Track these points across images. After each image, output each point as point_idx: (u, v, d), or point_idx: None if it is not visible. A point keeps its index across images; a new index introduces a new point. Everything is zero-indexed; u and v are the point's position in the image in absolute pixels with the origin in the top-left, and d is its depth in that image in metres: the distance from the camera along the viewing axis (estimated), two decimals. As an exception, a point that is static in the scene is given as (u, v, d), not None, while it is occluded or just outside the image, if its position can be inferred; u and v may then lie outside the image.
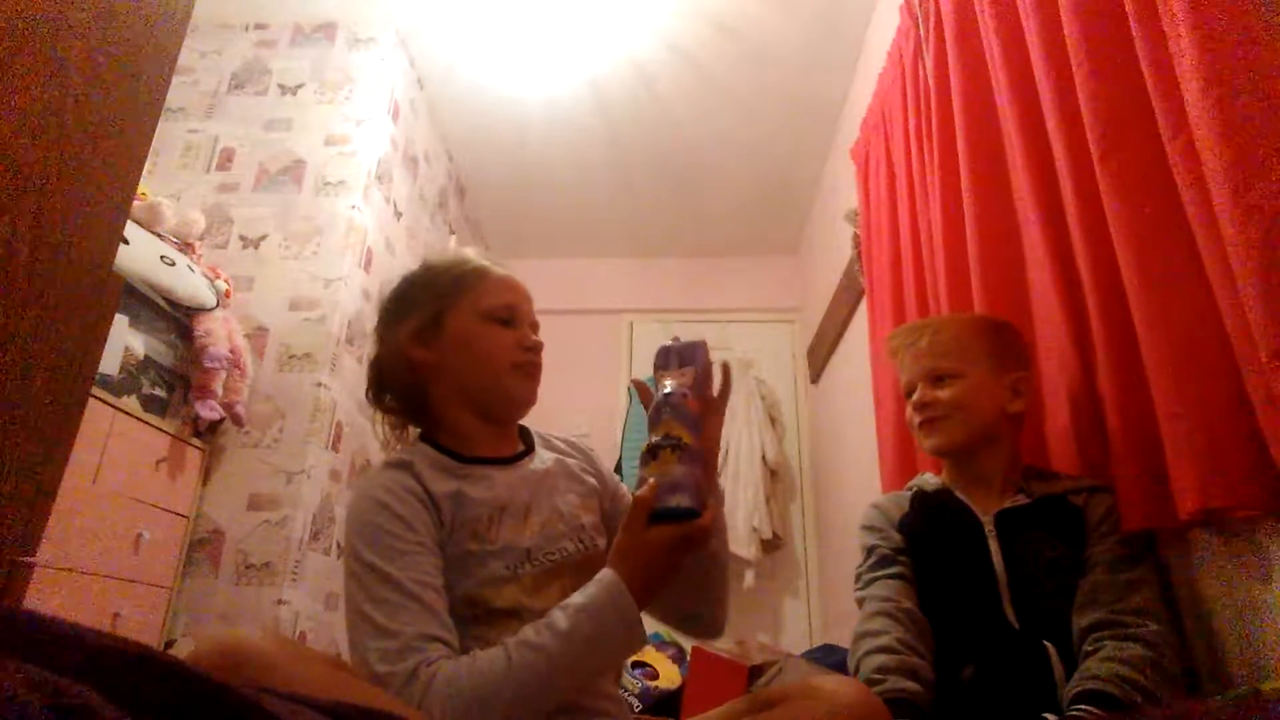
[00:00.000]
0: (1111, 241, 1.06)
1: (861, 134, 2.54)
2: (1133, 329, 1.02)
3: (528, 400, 0.95)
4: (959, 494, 1.07)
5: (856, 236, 2.58)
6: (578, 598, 0.74)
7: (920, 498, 1.10)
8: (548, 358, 0.99)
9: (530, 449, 0.97)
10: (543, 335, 1.00)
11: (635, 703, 2.08)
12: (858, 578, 1.07)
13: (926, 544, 1.03)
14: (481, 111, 3.11)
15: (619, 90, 2.97)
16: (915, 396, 1.08)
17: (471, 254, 0.99)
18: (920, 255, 1.87)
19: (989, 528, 1.00)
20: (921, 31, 1.88)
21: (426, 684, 0.68)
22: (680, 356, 0.85)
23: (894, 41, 2.15)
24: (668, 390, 0.81)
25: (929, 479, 1.15)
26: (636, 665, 2.23)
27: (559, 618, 0.73)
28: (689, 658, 2.23)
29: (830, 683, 0.72)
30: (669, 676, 2.20)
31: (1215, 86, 0.84)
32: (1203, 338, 0.92)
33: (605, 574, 0.75)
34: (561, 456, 0.99)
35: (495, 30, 2.70)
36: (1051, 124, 1.22)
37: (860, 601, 1.04)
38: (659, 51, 2.78)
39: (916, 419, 1.09)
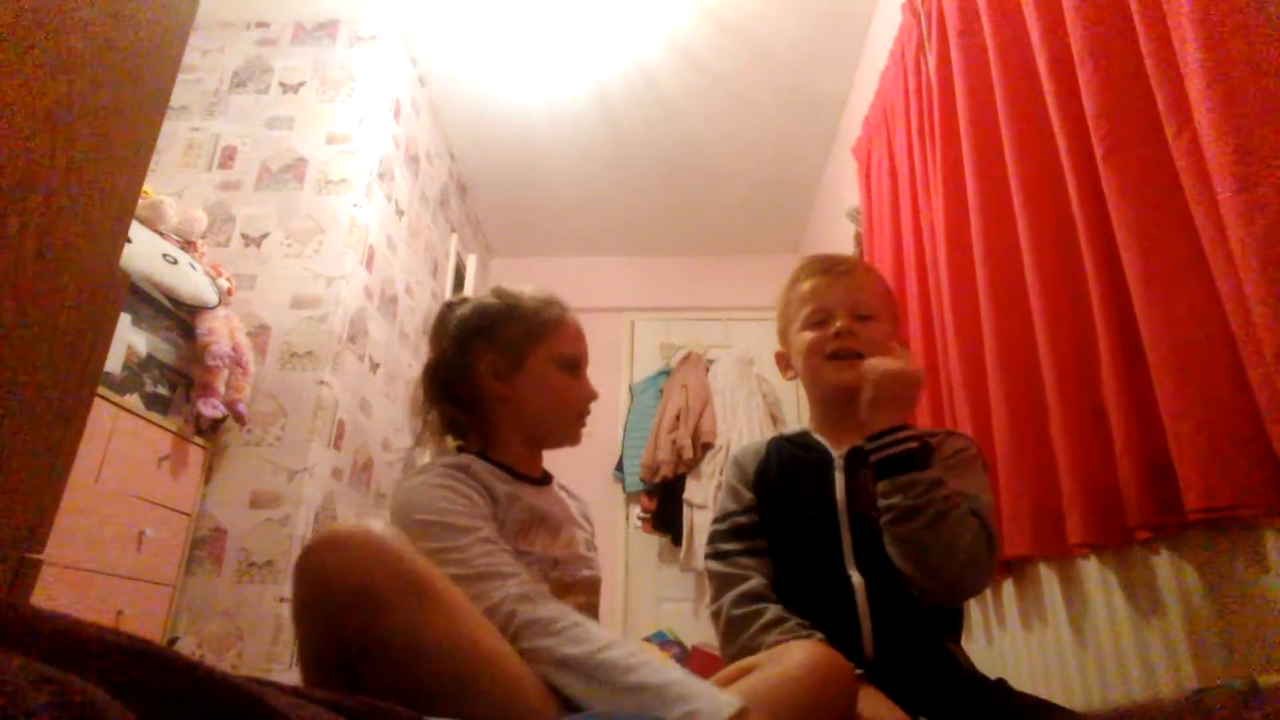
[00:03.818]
0: (1115, 239, 1.05)
1: (863, 131, 2.53)
2: (1136, 326, 1.02)
3: (576, 443, 1.06)
4: (818, 436, 1.09)
5: (858, 234, 2.58)
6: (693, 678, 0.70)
7: (778, 441, 1.12)
8: None
9: (549, 480, 1.07)
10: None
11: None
12: (711, 538, 1.06)
13: (777, 484, 1.04)
14: (483, 109, 3.11)
15: (621, 88, 2.97)
16: (839, 325, 1.03)
17: (554, 297, 1.07)
18: (922, 253, 1.87)
19: (839, 463, 1.02)
20: (924, 29, 1.88)
21: (509, 616, 0.75)
22: None
23: (896, 39, 2.15)
24: None
25: (793, 426, 1.17)
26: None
27: (659, 668, 0.70)
28: (689, 655, 2.23)
29: (796, 646, 0.78)
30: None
31: (1219, 83, 0.83)
32: (1207, 335, 0.91)
33: (729, 699, 0.68)
34: (570, 499, 1.09)
35: (497, 27, 2.70)
36: (1055, 121, 1.21)
37: (714, 568, 1.02)
38: (661, 49, 2.78)
39: (833, 347, 1.03)
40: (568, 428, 1.04)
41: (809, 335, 1.06)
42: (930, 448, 0.93)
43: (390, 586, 0.65)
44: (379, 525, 0.70)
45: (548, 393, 1.01)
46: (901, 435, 0.92)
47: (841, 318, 1.04)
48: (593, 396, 1.05)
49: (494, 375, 1.01)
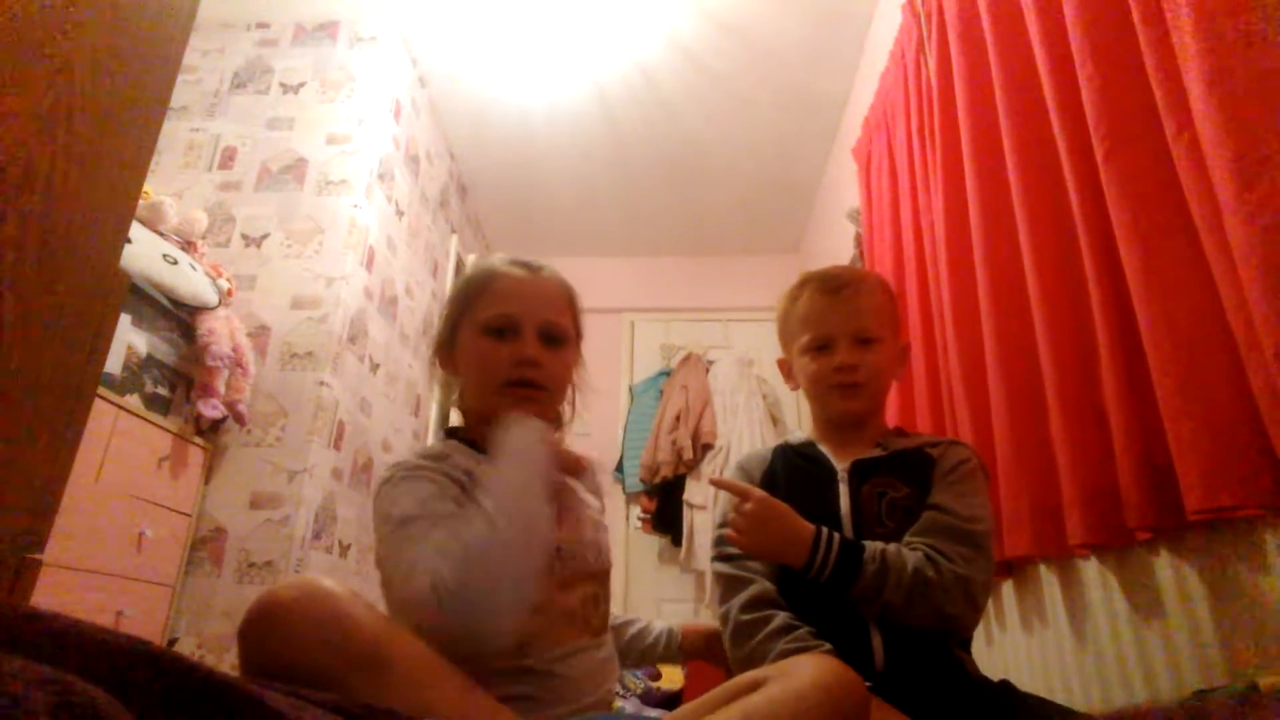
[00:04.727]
0: (1115, 239, 1.05)
1: (863, 132, 2.53)
2: (1136, 326, 1.02)
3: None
4: (822, 447, 1.08)
5: (858, 235, 2.58)
6: None
7: (783, 450, 1.12)
8: None
9: None
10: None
11: (637, 703, 2.08)
12: (717, 541, 1.06)
13: (782, 495, 1.01)
14: (483, 109, 3.11)
15: (621, 88, 2.97)
16: (841, 356, 1.03)
17: (492, 260, 0.97)
18: (922, 254, 1.86)
19: (843, 475, 1.02)
20: (924, 30, 1.88)
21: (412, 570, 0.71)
22: None
23: (896, 40, 2.15)
24: None
25: (797, 434, 1.16)
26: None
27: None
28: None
29: (806, 661, 0.73)
30: (671, 678, 2.21)
31: (1219, 84, 0.83)
32: (1207, 335, 0.91)
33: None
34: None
35: (498, 28, 2.70)
36: (1055, 122, 1.21)
37: (720, 570, 1.03)
38: (662, 49, 2.78)
39: (836, 379, 1.03)
40: (494, 401, 0.88)
41: (812, 365, 1.06)
42: (859, 548, 0.91)
43: (339, 665, 0.59)
44: (323, 584, 0.64)
45: (472, 363, 0.91)
46: (820, 563, 0.91)
47: (843, 346, 1.03)
48: (520, 359, 0.88)
49: (437, 353, 0.97)
